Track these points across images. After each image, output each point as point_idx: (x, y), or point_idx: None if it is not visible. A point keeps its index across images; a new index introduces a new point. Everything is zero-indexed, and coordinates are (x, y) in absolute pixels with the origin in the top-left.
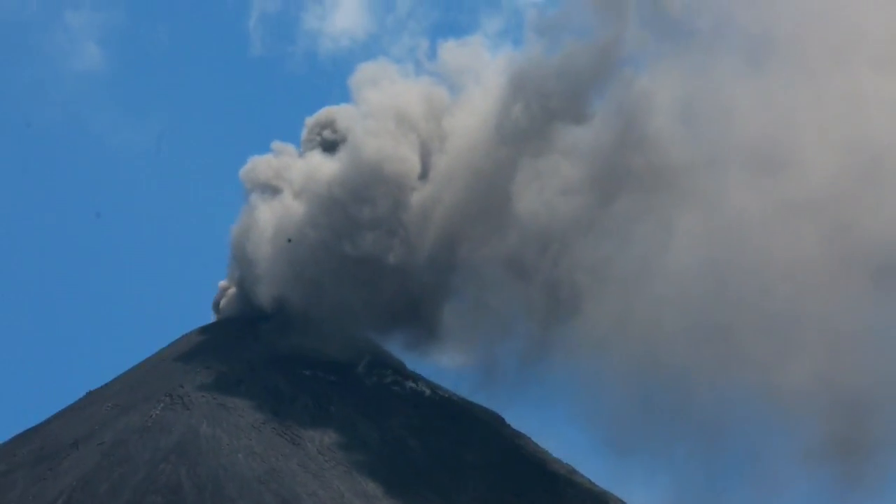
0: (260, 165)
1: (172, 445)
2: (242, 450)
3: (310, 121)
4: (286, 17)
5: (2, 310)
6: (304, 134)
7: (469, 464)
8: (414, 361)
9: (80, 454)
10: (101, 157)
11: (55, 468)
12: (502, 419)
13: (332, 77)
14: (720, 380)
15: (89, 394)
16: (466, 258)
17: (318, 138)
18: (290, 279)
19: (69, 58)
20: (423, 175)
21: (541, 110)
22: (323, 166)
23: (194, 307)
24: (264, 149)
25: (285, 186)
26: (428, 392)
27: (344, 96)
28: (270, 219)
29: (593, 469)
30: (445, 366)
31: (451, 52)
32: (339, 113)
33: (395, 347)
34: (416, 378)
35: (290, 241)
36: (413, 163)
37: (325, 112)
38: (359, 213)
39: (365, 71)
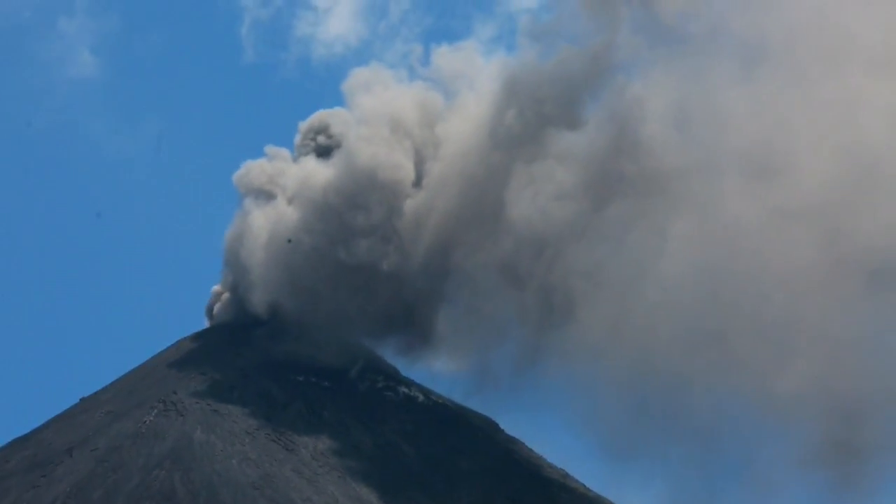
0: (254, 170)
1: (166, 452)
2: (236, 456)
3: (303, 125)
4: (279, 23)
5: None
6: (297, 139)
7: (463, 469)
8: (407, 367)
9: (73, 461)
10: (94, 163)
11: (49, 475)
12: (496, 424)
13: (325, 83)
14: (715, 385)
15: (83, 400)
16: (460, 264)
17: (313, 143)
18: (284, 285)
19: (63, 64)
20: (417, 182)
21: (534, 116)
22: (317, 172)
23: (188, 312)
24: (258, 155)
25: (279, 192)
26: (421, 397)
27: (337, 102)
28: (264, 224)
29: (587, 474)
30: (439, 371)
31: (445, 57)
32: (333, 118)
33: (389, 353)
34: (409, 383)
35: (289, 241)
36: (407, 169)
37: (318, 116)
38: (353, 219)
39: (358, 76)
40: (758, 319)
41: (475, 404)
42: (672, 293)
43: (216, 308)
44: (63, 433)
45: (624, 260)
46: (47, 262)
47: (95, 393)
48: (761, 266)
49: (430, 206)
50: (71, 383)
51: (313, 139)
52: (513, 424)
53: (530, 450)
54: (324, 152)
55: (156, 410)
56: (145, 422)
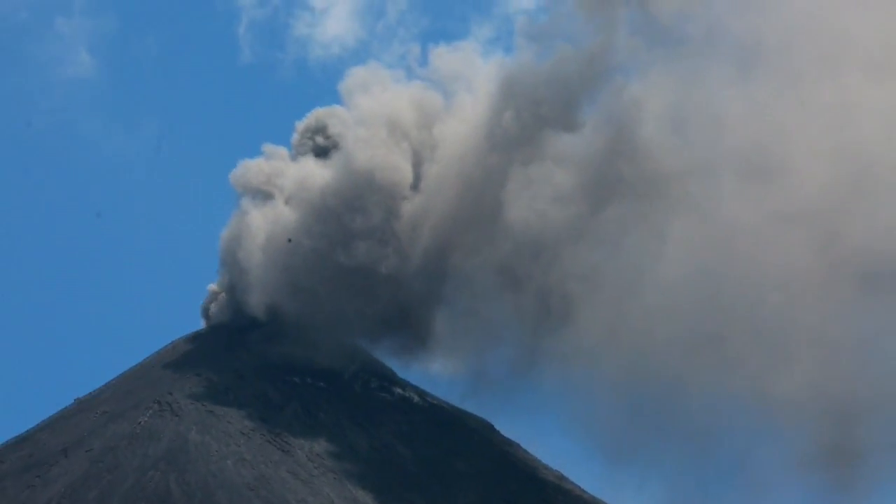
0: (251, 170)
1: (161, 453)
2: (232, 457)
3: (301, 125)
4: (276, 24)
5: None
6: (295, 138)
7: (459, 471)
8: (404, 369)
9: (68, 462)
10: (92, 163)
11: (44, 475)
12: (492, 426)
13: (322, 84)
14: (712, 387)
15: (78, 401)
16: (458, 266)
17: (311, 143)
18: (282, 287)
19: (60, 65)
20: (415, 184)
21: (532, 117)
22: (315, 173)
23: (184, 312)
24: (255, 156)
25: (277, 192)
26: (417, 399)
27: (334, 103)
28: (262, 225)
29: (584, 476)
30: (436, 373)
31: (443, 57)
32: (331, 118)
33: (385, 354)
34: (405, 385)
35: (290, 241)
36: (405, 172)
37: (316, 115)
38: (351, 222)
39: (355, 76)
40: (754, 322)
41: (471, 406)
42: (669, 296)
43: (212, 308)
44: (58, 434)
45: (621, 262)
46: (43, 262)
47: (91, 393)
48: (758, 269)
49: (428, 209)
50: (66, 384)
51: (311, 139)
52: (509, 426)
53: (526, 452)
54: (322, 152)
55: (151, 411)
56: (140, 423)
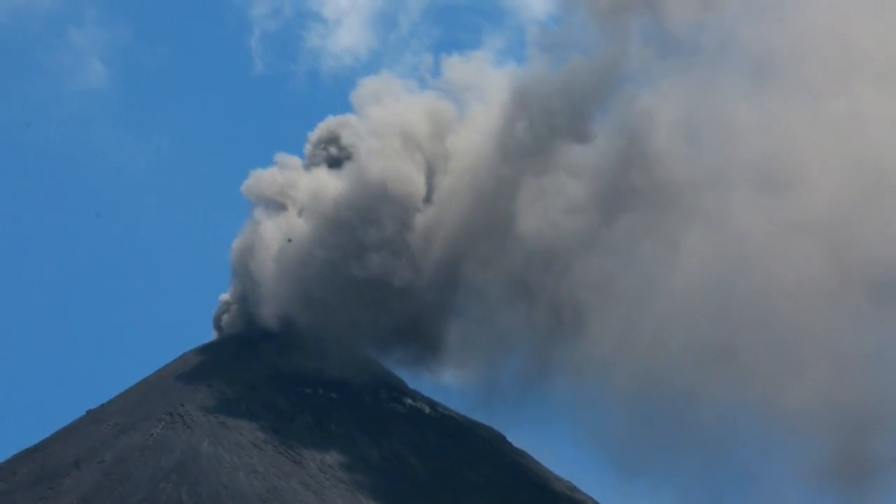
0: (264, 180)
1: (173, 464)
2: (244, 468)
3: (314, 134)
4: (288, 35)
5: (3, 332)
6: (308, 148)
7: (470, 482)
8: (414, 379)
9: (80, 473)
10: (104, 173)
11: (56, 487)
12: (503, 437)
13: (334, 95)
14: (723, 398)
15: (89, 412)
16: (470, 277)
17: (324, 153)
18: (295, 298)
19: (73, 75)
20: (428, 195)
21: (544, 128)
22: (328, 184)
23: (196, 322)
24: (267, 167)
25: (290, 203)
26: (429, 410)
27: (347, 114)
28: (275, 236)
29: (595, 487)
30: (447, 383)
31: (455, 67)
32: (344, 128)
33: (396, 365)
34: (416, 396)
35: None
36: (418, 183)
37: (328, 125)
38: (365, 234)
39: (368, 86)
40: (766, 332)
41: (482, 417)
42: (681, 306)
43: (224, 319)
44: (70, 445)
45: (633, 272)
46: (57, 274)
47: (102, 405)
48: (770, 279)
49: (441, 220)
50: (78, 395)
51: (324, 149)
52: (520, 437)
53: (537, 462)
54: (335, 163)
55: (163, 423)
56: (152, 434)
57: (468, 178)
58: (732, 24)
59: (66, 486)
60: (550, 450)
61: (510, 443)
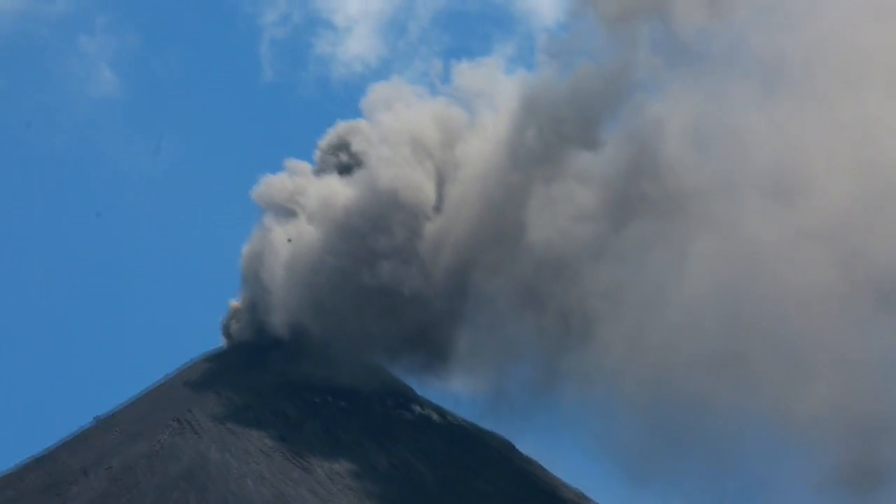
0: (274, 186)
1: (181, 471)
2: (252, 475)
3: (324, 140)
4: (297, 42)
5: (9, 335)
6: (318, 154)
7: (479, 490)
8: (423, 387)
9: (88, 480)
10: (114, 179)
11: (63, 494)
12: (512, 445)
13: (344, 102)
14: (733, 406)
15: (97, 419)
16: (479, 285)
17: (334, 160)
18: (306, 306)
19: (83, 82)
20: (438, 203)
21: (554, 135)
22: (339, 192)
23: (204, 329)
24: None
25: (300, 210)
26: (437, 418)
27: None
28: (285, 242)
29: (604, 495)
30: (456, 391)
31: (465, 73)
32: (354, 134)
33: (405, 373)
34: (425, 404)
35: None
36: (429, 191)
37: (338, 132)
38: (375, 242)
39: (378, 92)
40: (777, 340)
41: (490, 425)
42: (691, 314)
43: (233, 326)
44: (78, 452)
45: (643, 280)
46: (64, 280)
47: (110, 412)
48: (780, 287)
49: (450, 228)
50: (86, 402)
51: (334, 155)
52: (528, 445)
53: (546, 471)
54: (345, 169)
55: (170, 429)
56: (160, 441)
57: (478, 186)
58: (742, 31)
59: (73, 494)
60: (559, 458)
61: (519, 451)
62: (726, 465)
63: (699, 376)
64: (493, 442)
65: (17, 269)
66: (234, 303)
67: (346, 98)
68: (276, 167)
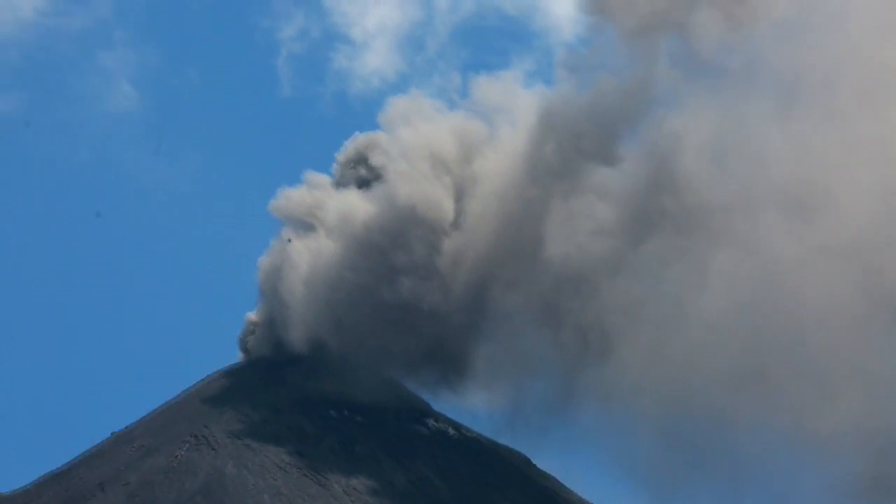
0: (293, 200)
1: (198, 487)
2: (268, 491)
3: (342, 154)
4: (315, 57)
5: (30, 352)
6: (336, 168)
7: None
8: (440, 401)
9: (105, 496)
10: (134, 195)
11: None
12: (529, 460)
13: (362, 117)
14: (753, 422)
15: (114, 435)
16: (498, 301)
17: (353, 173)
18: (324, 321)
19: (103, 98)
20: (457, 219)
21: (572, 150)
22: (358, 206)
23: (222, 341)
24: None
25: (319, 224)
26: (454, 433)
27: None
28: (305, 257)
29: None
30: (472, 406)
31: (483, 87)
32: (373, 148)
33: (421, 388)
34: (441, 419)
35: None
36: (447, 207)
37: (355, 146)
38: (395, 258)
39: (396, 105)
40: (796, 356)
41: (507, 440)
42: (711, 330)
43: (250, 341)
44: (95, 468)
45: (662, 296)
46: (81, 295)
47: (127, 427)
48: (800, 303)
49: (469, 244)
50: (103, 418)
51: (353, 168)
52: (544, 461)
53: (563, 486)
54: (363, 183)
55: (188, 445)
56: (177, 456)
57: (496, 202)
58: (761, 46)
59: None
60: (577, 473)
61: (536, 466)
62: (746, 481)
63: (719, 392)
64: (510, 457)
65: (36, 287)
66: (252, 316)
67: (364, 113)
68: (294, 182)
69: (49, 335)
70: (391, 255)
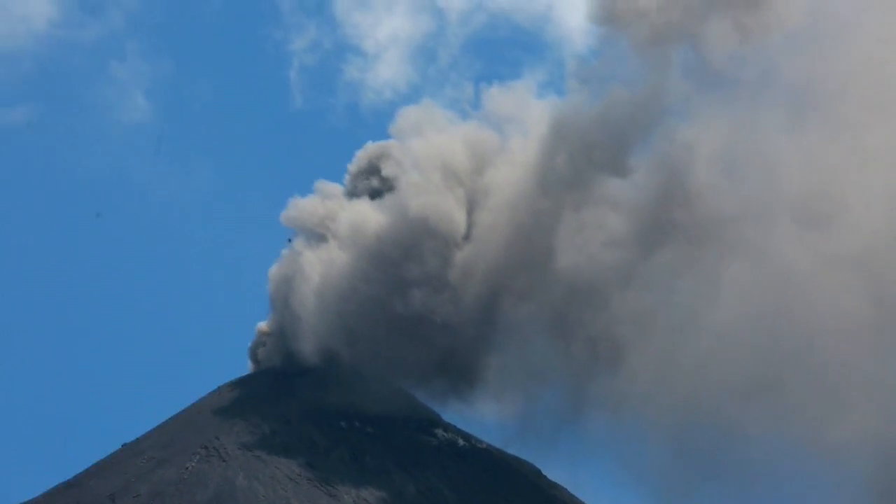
0: (305, 210)
1: (209, 498)
2: (279, 502)
3: (354, 164)
4: (327, 69)
5: (40, 362)
6: (348, 178)
7: None
8: (450, 412)
9: None
10: (146, 206)
11: None
12: (539, 470)
13: (374, 128)
14: (765, 432)
15: (125, 446)
16: (508, 311)
17: (365, 183)
18: (336, 332)
19: (116, 109)
20: (468, 230)
21: (584, 161)
22: (370, 217)
23: (232, 352)
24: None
25: (330, 235)
26: (464, 443)
27: None
28: (316, 268)
29: None
30: (483, 417)
31: (495, 98)
32: (385, 158)
33: (431, 398)
34: (451, 429)
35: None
36: (459, 219)
37: (367, 156)
38: (407, 270)
39: (407, 116)
40: (809, 367)
41: (517, 450)
42: (722, 340)
43: (261, 352)
44: (105, 479)
45: (674, 307)
46: (91, 306)
47: (138, 439)
48: (812, 313)
49: (480, 256)
50: (113, 429)
51: (366, 179)
52: (554, 471)
53: (574, 496)
54: (376, 194)
55: (198, 456)
56: (188, 468)
57: (507, 213)
58: (774, 56)
59: None
60: (587, 484)
61: (546, 476)
62: (758, 491)
63: (730, 402)
64: (520, 467)
65: (45, 296)
66: (263, 326)
67: (376, 124)
68: (305, 193)
69: (61, 345)
70: (403, 267)
